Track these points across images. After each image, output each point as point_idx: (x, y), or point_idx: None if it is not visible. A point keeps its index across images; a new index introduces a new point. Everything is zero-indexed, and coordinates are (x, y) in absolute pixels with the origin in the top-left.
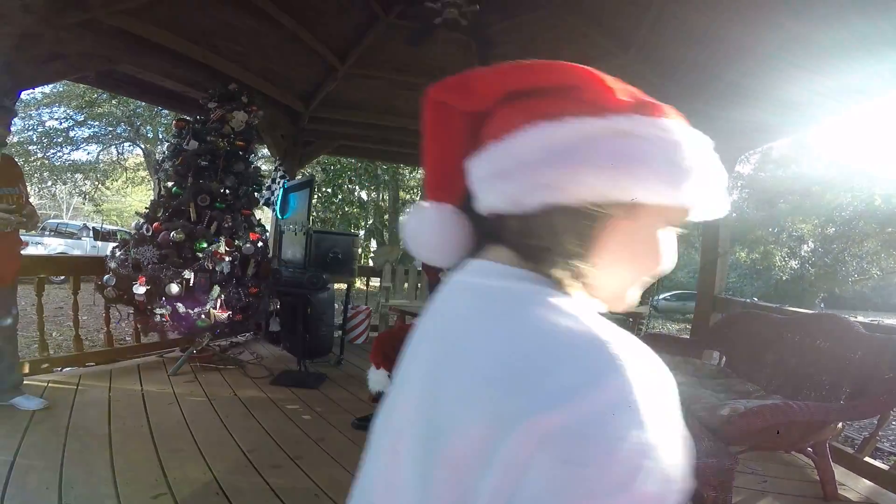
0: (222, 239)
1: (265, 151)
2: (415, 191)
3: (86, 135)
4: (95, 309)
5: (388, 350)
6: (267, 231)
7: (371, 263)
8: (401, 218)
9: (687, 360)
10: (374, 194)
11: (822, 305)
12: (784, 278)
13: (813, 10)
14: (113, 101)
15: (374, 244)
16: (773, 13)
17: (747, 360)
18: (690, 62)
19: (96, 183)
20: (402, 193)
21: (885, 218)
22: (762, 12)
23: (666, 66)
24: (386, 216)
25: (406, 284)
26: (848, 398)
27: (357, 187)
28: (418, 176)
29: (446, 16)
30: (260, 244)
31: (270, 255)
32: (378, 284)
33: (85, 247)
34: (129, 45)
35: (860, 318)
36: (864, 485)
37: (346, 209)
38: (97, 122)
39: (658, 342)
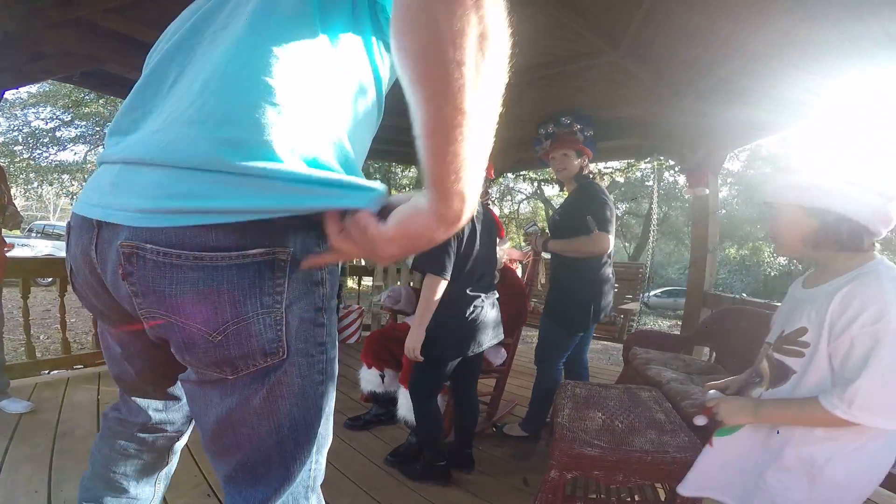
0: None
1: None
2: (406, 189)
3: (73, 135)
4: (83, 311)
5: (378, 350)
6: None
7: (363, 262)
8: None
9: (677, 355)
10: None
11: None
12: (773, 274)
13: (804, 8)
14: (100, 101)
15: None
16: (765, 11)
17: (737, 356)
18: (680, 59)
19: (84, 184)
20: (393, 192)
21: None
22: (753, 9)
23: (655, 63)
24: None
25: (399, 283)
26: None
27: None
28: (410, 174)
29: None
30: None
31: None
32: (370, 283)
33: None
34: (115, 43)
35: None
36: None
37: None
38: (84, 122)
39: (649, 338)
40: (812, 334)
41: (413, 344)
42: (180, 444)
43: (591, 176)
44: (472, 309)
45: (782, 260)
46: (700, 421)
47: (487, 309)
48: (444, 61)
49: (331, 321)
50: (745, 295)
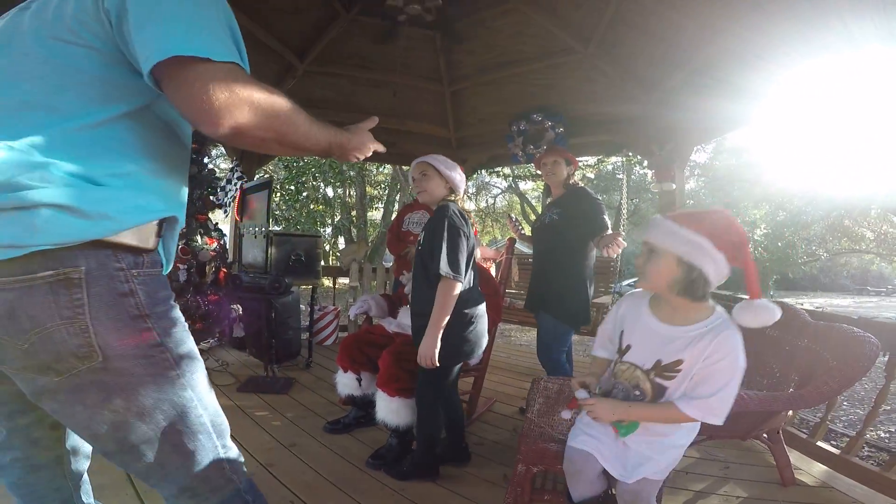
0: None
1: (222, 149)
2: (381, 186)
3: None
4: None
5: (354, 353)
6: (225, 235)
7: (339, 263)
8: (368, 214)
9: None
10: (340, 191)
11: (773, 287)
12: None
13: (771, 2)
14: None
15: (342, 242)
16: (732, 5)
17: None
18: (649, 55)
19: None
20: (368, 189)
21: (830, 204)
22: (720, 4)
23: (624, 60)
24: (353, 212)
25: (374, 283)
26: (796, 386)
27: (322, 184)
28: (385, 171)
29: (409, 12)
30: (218, 249)
31: (231, 259)
32: (346, 282)
33: None
34: None
35: (806, 305)
36: (819, 469)
37: (312, 207)
38: None
39: None
40: (687, 364)
41: (429, 352)
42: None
43: (579, 183)
44: (480, 311)
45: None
46: (566, 415)
47: (484, 309)
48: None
49: (165, 326)
50: None
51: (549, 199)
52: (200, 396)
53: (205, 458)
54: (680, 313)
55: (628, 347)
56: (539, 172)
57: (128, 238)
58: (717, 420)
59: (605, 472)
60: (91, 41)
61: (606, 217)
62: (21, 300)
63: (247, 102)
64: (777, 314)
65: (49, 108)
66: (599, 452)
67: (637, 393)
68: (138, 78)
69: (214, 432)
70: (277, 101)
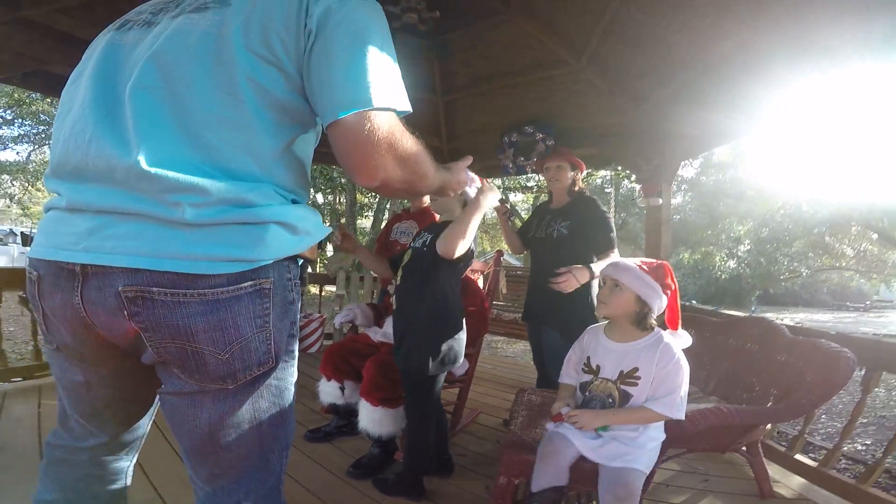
0: None
1: None
2: (372, 195)
3: (15, 134)
4: (23, 319)
5: (338, 362)
6: None
7: (326, 271)
8: (358, 222)
9: None
10: (330, 197)
11: (755, 303)
12: (723, 277)
13: (756, 19)
14: (47, 100)
15: (329, 249)
16: (721, 21)
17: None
18: (639, 69)
19: (26, 185)
20: (359, 196)
21: (812, 221)
22: (710, 20)
23: (615, 72)
24: (343, 220)
25: (361, 292)
26: (775, 400)
27: (312, 191)
28: None
29: (405, 20)
30: None
31: None
32: (333, 290)
33: (12, 252)
34: (62, 44)
35: (786, 321)
36: (797, 481)
37: None
38: (28, 121)
39: None
40: (643, 371)
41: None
42: (131, 467)
43: (585, 191)
44: (461, 317)
45: (732, 264)
46: (551, 426)
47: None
48: (406, 180)
49: (297, 333)
50: (694, 302)
51: (548, 205)
52: (293, 405)
53: (278, 464)
54: (627, 333)
55: (598, 367)
56: (529, 185)
57: (308, 252)
58: (680, 414)
59: (571, 466)
60: (283, 62)
61: (614, 235)
62: (230, 310)
63: (400, 158)
64: (688, 340)
65: (245, 126)
66: (578, 441)
67: (610, 401)
68: (305, 106)
69: (286, 444)
70: (420, 155)
